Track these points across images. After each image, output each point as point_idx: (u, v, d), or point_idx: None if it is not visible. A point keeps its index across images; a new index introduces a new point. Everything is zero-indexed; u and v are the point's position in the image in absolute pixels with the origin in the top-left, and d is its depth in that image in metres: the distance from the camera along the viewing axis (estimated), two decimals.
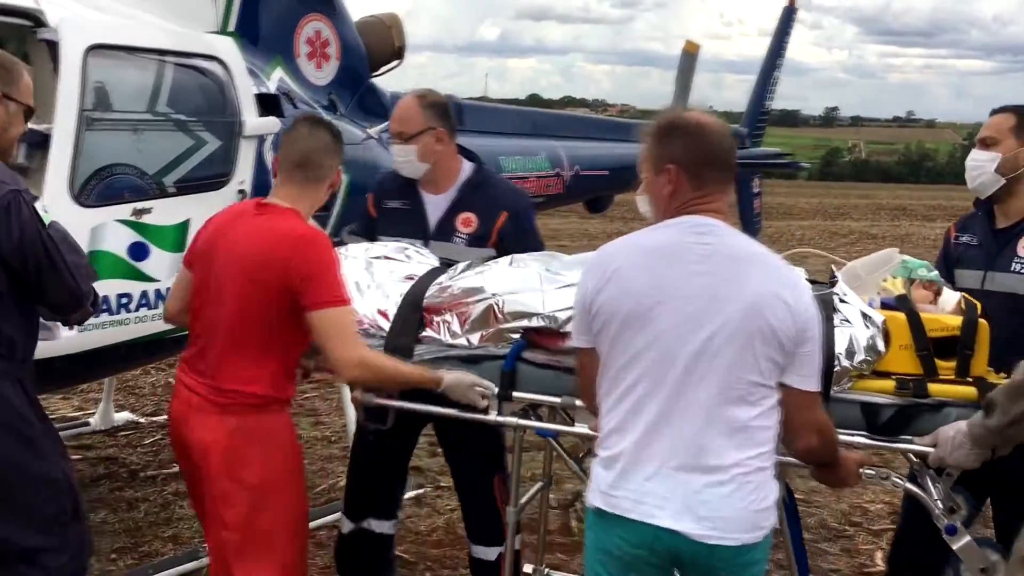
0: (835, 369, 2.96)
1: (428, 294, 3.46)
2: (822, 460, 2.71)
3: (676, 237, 2.45)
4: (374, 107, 6.69)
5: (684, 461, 2.38)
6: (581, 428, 3.20)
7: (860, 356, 2.99)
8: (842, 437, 2.80)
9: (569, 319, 3.07)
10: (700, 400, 2.38)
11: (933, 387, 3.01)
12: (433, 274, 3.59)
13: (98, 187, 4.36)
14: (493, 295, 3.30)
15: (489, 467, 3.88)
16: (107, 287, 4.18)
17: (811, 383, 2.48)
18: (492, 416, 3.27)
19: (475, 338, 3.33)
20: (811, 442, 2.56)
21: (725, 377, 2.38)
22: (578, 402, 3.02)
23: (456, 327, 3.37)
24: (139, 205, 4.47)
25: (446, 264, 3.72)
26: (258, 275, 3.00)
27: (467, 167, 4.06)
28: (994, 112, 3.45)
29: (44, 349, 3.42)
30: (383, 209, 4.06)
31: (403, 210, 4.00)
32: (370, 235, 4.05)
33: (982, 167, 3.37)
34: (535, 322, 3.21)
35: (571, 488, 5.49)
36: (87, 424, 6.58)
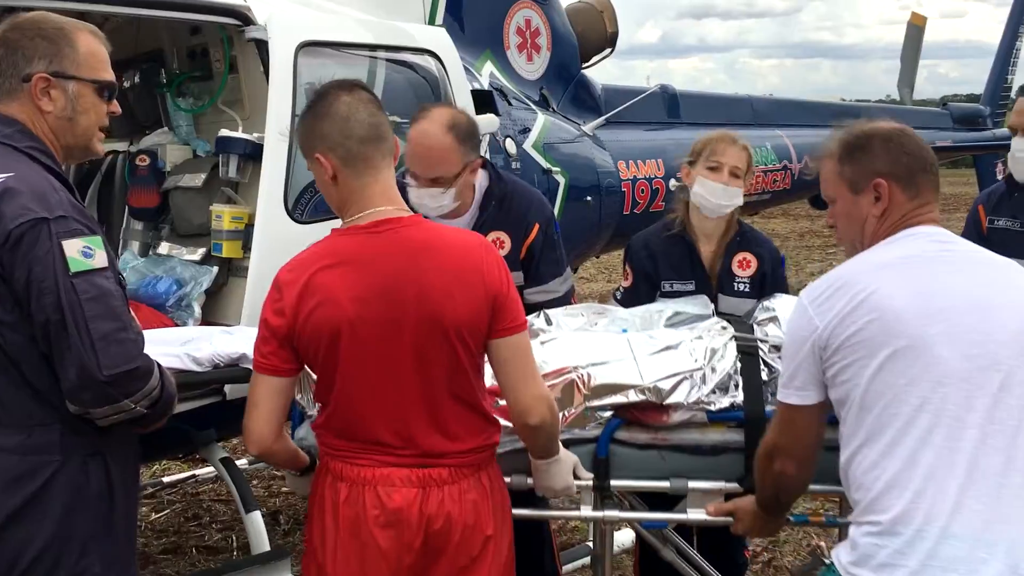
0: None
1: None
2: None
3: (918, 248, 2.16)
4: (586, 101, 6.11)
5: (1005, 509, 1.94)
6: (697, 514, 2.70)
7: None
8: None
9: (675, 388, 2.69)
10: (1008, 429, 1.98)
11: None
12: None
13: (313, 199, 3.92)
14: (575, 368, 2.73)
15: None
16: None
17: None
18: (587, 512, 2.74)
19: None
20: None
21: None
22: (691, 484, 2.68)
23: None
24: None
25: None
26: (451, 307, 2.26)
27: (481, 176, 3.38)
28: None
29: None
30: None
31: None
32: None
33: None
34: (632, 396, 2.69)
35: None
36: None
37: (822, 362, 2.12)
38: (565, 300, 3.48)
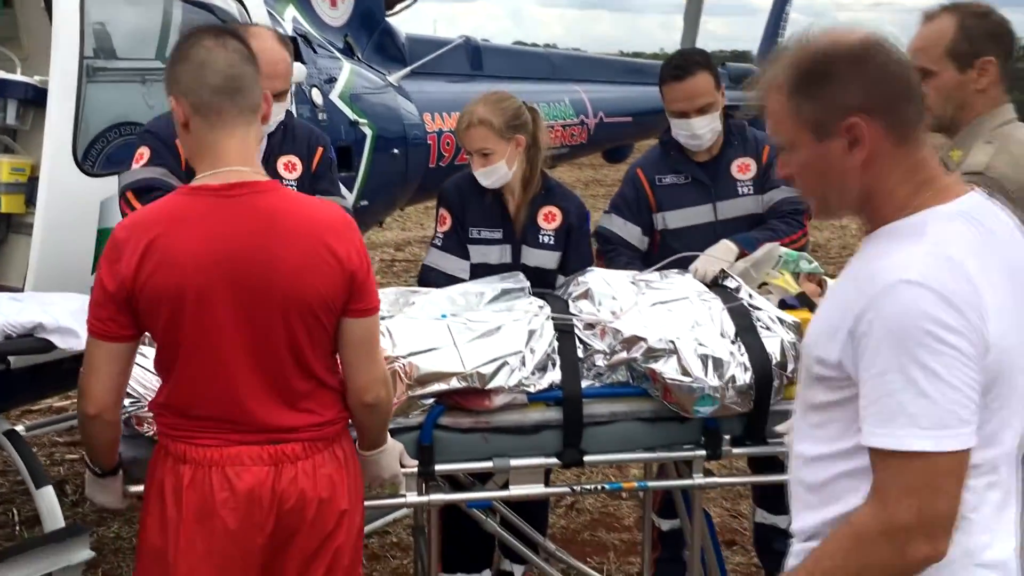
0: (774, 384, 2.80)
1: None
2: None
3: (976, 228, 1.63)
4: (391, 51, 5.99)
5: None
6: (522, 490, 2.84)
7: (791, 365, 2.79)
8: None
9: (496, 373, 2.71)
10: None
11: None
12: None
13: (106, 150, 3.64)
14: (396, 358, 2.73)
15: None
16: None
17: None
18: (412, 497, 2.78)
19: None
20: None
21: None
22: (514, 462, 2.77)
23: None
24: None
25: None
26: (304, 281, 2.18)
27: None
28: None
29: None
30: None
31: None
32: None
33: None
34: (455, 383, 2.73)
35: None
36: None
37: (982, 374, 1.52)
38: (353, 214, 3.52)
